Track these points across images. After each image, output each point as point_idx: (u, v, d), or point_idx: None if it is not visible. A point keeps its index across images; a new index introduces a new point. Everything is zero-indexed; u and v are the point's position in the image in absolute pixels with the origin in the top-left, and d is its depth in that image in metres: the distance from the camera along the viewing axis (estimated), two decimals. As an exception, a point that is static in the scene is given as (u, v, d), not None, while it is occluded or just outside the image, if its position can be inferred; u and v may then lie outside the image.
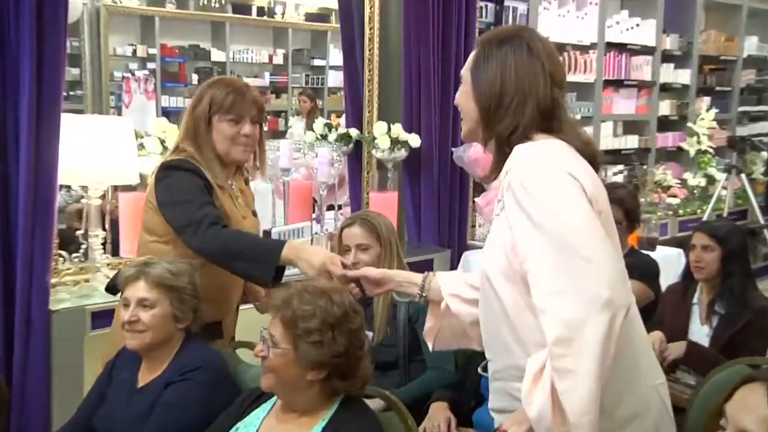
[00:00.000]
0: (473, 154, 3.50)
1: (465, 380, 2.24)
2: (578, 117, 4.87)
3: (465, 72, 1.50)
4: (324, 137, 3.71)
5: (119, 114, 4.18)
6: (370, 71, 3.62)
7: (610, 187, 2.98)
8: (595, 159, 1.45)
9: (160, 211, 1.96)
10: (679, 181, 5.06)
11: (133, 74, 4.71)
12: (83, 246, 2.72)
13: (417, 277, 1.74)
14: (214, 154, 2.01)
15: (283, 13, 5.92)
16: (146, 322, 1.81)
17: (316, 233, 3.30)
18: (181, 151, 2.01)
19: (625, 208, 2.78)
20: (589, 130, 4.96)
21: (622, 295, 1.27)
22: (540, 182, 1.32)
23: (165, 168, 1.97)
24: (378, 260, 2.23)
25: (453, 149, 3.66)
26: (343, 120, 3.89)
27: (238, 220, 2.03)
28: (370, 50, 3.60)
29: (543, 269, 1.28)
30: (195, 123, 2.01)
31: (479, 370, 1.83)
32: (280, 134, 6.05)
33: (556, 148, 1.40)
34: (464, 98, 1.49)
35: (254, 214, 2.16)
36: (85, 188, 2.66)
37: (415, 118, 3.62)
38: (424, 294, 1.70)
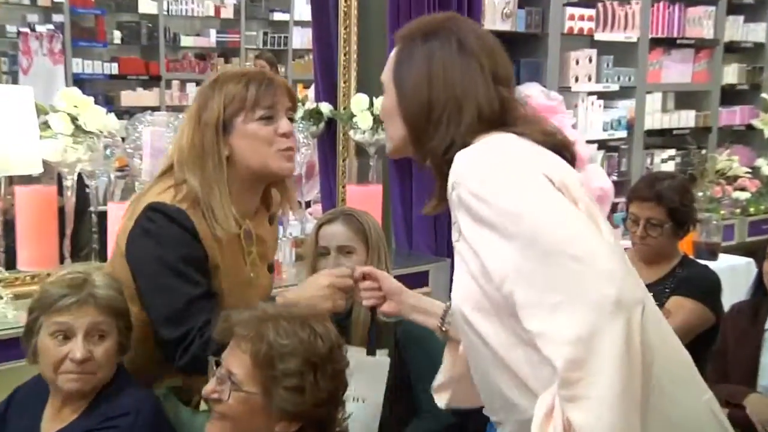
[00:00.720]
0: (481, 136, 3.51)
1: (467, 423, 2.26)
2: (616, 87, 4.91)
3: (385, 77, 1.57)
4: (286, 113, 3.72)
5: (14, 82, 4.17)
6: (346, 28, 3.62)
7: (649, 180, 3.06)
8: (567, 149, 1.51)
9: (134, 280, 1.90)
10: (749, 170, 5.09)
11: (33, 29, 4.68)
12: (-33, 256, 2.71)
13: (438, 306, 1.77)
14: (233, 180, 1.91)
15: (232, -49, 5.94)
16: (99, 360, 1.81)
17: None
18: (179, 183, 1.90)
19: (668, 206, 2.81)
20: (630, 103, 4.99)
21: (633, 290, 1.30)
22: (493, 184, 1.37)
23: (150, 210, 1.88)
24: None
25: (454, 129, 3.68)
26: (311, 92, 3.90)
27: (243, 290, 1.97)
28: (346, 1, 3.61)
29: (527, 285, 1.31)
30: (201, 137, 1.90)
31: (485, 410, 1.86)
32: (229, 110, 6.04)
33: (503, 141, 1.46)
34: (387, 110, 1.57)
35: (270, 268, 2.13)
36: (-31, 180, 2.65)
37: (405, 89, 3.63)
38: (444, 328, 1.74)
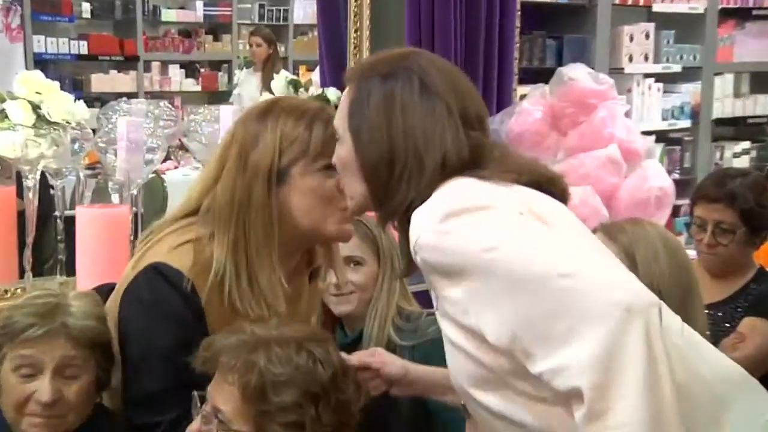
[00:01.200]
0: (516, 126, 3.52)
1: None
2: (678, 68, 4.89)
3: (338, 124, 1.61)
4: (286, 100, 3.73)
5: (-33, 65, 4.19)
6: (357, 0, 3.64)
7: (718, 177, 3.03)
8: (552, 184, 1.57)
9: (118, 338, 1.86)
10: (839, 167, 5.08)
11: (-13, 2, 4.72)
12: None
13: None
14: (283, 240, 1.81)
15: None
16: (71, 401, 1.79)
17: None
18: (200, 238, 1.81)
19: (741, 208, 2.79)
20: (694, 87, 4.98)
21: (639, 292, 1.35)
22: (456, 232, 1.42)
23: (153, 271, 1.80)
24: (373, 283, 2.29)
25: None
26: (316, 75, 3.91)
27: None
28: (356, -34, 3.63)
29: (529, 325, 1.35)
30: (248, 186, 1.78)
31: None
32: (220, 96, 6.08)
33: (460, 186, 1.50)
34: (342, 162, 1.61)
35: None
36: None
37: (427, 71, 3.63)
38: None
